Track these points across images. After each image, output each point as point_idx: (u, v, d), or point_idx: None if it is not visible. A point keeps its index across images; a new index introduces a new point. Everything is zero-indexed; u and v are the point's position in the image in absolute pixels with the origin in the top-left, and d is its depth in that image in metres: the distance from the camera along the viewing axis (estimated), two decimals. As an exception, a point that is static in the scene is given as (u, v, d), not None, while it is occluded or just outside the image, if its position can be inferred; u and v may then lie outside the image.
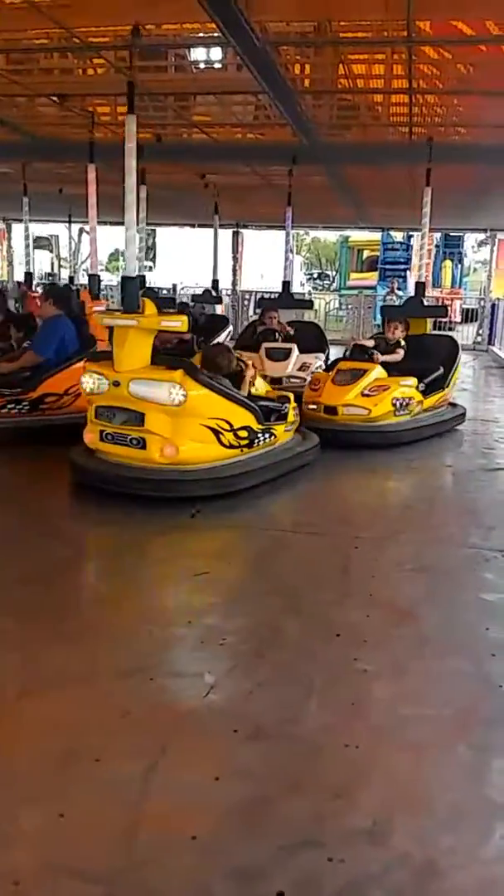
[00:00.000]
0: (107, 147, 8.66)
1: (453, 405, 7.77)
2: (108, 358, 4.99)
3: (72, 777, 2.15)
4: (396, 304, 13.63)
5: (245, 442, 5.07)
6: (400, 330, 7.27)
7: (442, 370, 7.30)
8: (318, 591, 3.57)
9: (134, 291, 5.09)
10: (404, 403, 6.67)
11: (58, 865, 1.83)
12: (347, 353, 7.27)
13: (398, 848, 1.93)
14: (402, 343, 7.17)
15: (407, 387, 6.73)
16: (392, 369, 6.87)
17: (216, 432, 4.86)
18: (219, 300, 12.65)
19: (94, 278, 8.28)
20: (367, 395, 6.54)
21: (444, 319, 19.91)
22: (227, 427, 4.92)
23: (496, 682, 2.76)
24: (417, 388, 6.82)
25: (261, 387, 5.77)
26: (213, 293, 12.66)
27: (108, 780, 2.14)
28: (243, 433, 5.05)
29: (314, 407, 6.60)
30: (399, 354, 7.07)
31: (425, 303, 8.10)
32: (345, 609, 3.38)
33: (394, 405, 6.57)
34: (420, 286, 8.22)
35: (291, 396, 5.83)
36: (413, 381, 6.80)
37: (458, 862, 1.89)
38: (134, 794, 2.07)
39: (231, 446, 4.96)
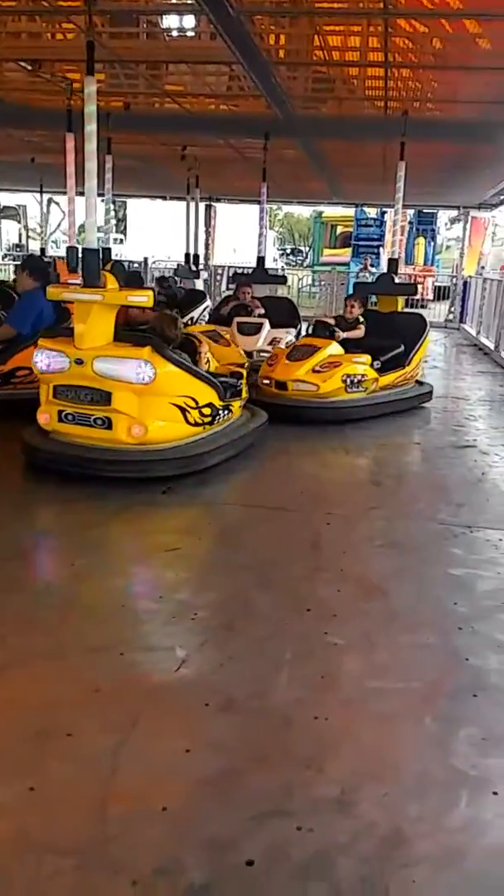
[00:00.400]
0: (77, 116, 8.48)
1: (420, 383, 7.79)
2: (65, 334, 4.82)
3: (43, 752, 2.16)
4: (369, 280, 13.60)
5: (208, 419, 5.04)
6: (357, 307, 7.32)
7: (402, 348, 7.29)
8: (289, 566, 3.60)
9: (95, 264, 4.86)
10: (356, 380, 6.68)
11: (30, 839, 1.84)
12: (310, 329, 7.28)
13: (366, 817, 1.97)
14: (361, 320, 7.23)
15: (359, 364, 6.74)
16: (354, 347, 6.92)
17: (183, 410, 4.80)
18: (197, 275, 12.55)
19: (72, 250, 7.99)
20: (318, 372, 6.56)
21: (415, 297, 20.06)
22: (194, 405, 4.88)
23: (463, 655, 2.82)
24: (372, 365, 6.83)
25: (212, 362, 5.76)
26: (193, 268, 12.57)
27: (79, 755, 2.15)
28: (207, 410, 5.02)
29: (267, 382, 6.64)
30: (360, 331, 7.12)
31: (396, 280, 8.08)
32: (315, 584, 3.41)
33: (344, 382, 6.57)
34: (392, 263, 8.21)
35: (244, 372, 5.83)
36: (366, 358, 6.81)
37: (423, 830, 1.94)
38: (105, 767, 2.09)
39: (196, 424, 4.93)
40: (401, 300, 8.09)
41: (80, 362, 4.58)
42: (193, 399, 4.87)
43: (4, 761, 2.12)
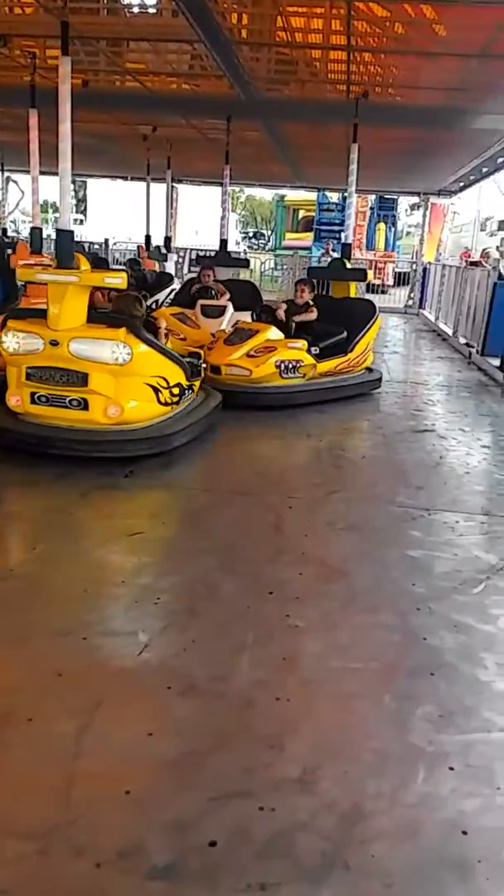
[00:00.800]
0: (41, 92, 8.29)
1: (370, 370, 7.72)
2: (35, 316, 4.80)
3: (4, 737, 2.15)
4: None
5: (176, 399, 5.10)
6: (307, 292, 7.25)
7: (344, 334, 7.27)
8: (251, 549, 3.62)
9: (68, 245, 4.91)
10: (291, 366, 6.63)
11: (-10, 824, 1.84)
12: (257, 314, 7.24)
13: (326, 795, 2.01)
14: (311, 304, 7.18)
15: (294, 349, 6.67)
16: (304, 332, 6.88)
17: (156, 390, 4.87)
18: (166, 258, 12.50)
19: (36, 231, 7.89)
20: (252, 357, 6.50)
21: (376, 283, 20.17)
22: (165, 384, 4.93)
23: (420, 635, 2.88)
24: (309, 351, 6.79)
25: (172, 341, 5.81)
26: (163, 250, 12.51)
27: (41, 739, 2.14)
28: (176, 390, 5.07)
29: (204, 365, 6.51)
30: (313, 314, 7.08)
31: (349, 266, 8.08)
32: (277, 567, 3.44)
33: (278, 367, 6.52)
34: (346, 248, 8.19)
35: (202, 353, 5.88)
36: (302, 343, 6.75)
37: (382, 806, 1.99)
38: (68, 752, 2.09)
39: (167, 403, 4.98)
40: (354, 286, 8.09)
41: (55, 343, 4.57)
42: (165, 379, 4.93)
43: (-36, 748, 2.10)
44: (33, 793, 1.95)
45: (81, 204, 31.88)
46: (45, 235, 19.55)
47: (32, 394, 4.68)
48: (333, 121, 8.83)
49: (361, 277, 8.77)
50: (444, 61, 6.65)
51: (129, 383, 4.69)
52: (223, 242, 10.10)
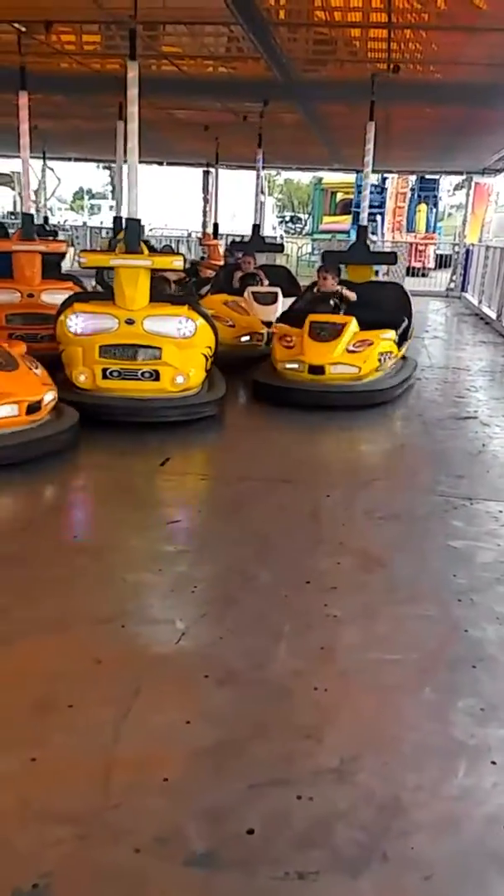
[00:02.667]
0: (75, 79, 8.32)
1: (405, 358, 7.37)
2: (98, 298, 5.49)
3: (45, 723, 2.18)
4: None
5: (209, 365, 5.59)
6: (331, 279, 6.80)
7: (407, 321, 7.10)
8: (288, 538, 3.61)
9: (136, 233, 5.37)
10: (386, 358, 6.37)
11: (32, 808, 1.86)
12: (304, 303, 6.88)
13: (364, 786, 1.99)
14: (343, 291, 6.79)
15: (387, 340, 6.38)
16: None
17: (206, 358, 5.43)
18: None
19: (28, 217, 7.50)
20: (353, 352, 6.10)
21: (416, 265, 19.83)
22: (211, 352, 5.50)
23: (462, 626, 2.83)
24: (395, 340, 6.53)
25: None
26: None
27: (81, 726, 2.17)
28: (213, 358, 5.59)
29: (295, 367, 6.08)
30: (353, 296, 6.73)
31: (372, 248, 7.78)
32: (315, 556, 3.42)
33: (380, 360, 6.21)
34: (362, 230, 7.88)
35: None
36: (392, 333, 6.45)
37: (421, 799, 1.96)
38: (107, 738, 2.11)
39: (207, 371, 5.55)
40: (372, 269, 7.81)
41: (130, 322, 5.14)
42: (210, 347, 5.49)
43: (7, 732, 2.14)
44: (73, 778, 1.97)
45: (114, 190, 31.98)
46: (81, 223, 19.48)
47: (104, 369, 5.09)
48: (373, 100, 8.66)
49: (392, 261, 8.52)
50: (487, 36, 6.47)
51: (190, 354, 5.27)
52: (255, 227, 10.05)
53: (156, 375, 5.12)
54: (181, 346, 5.20)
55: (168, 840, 1.79)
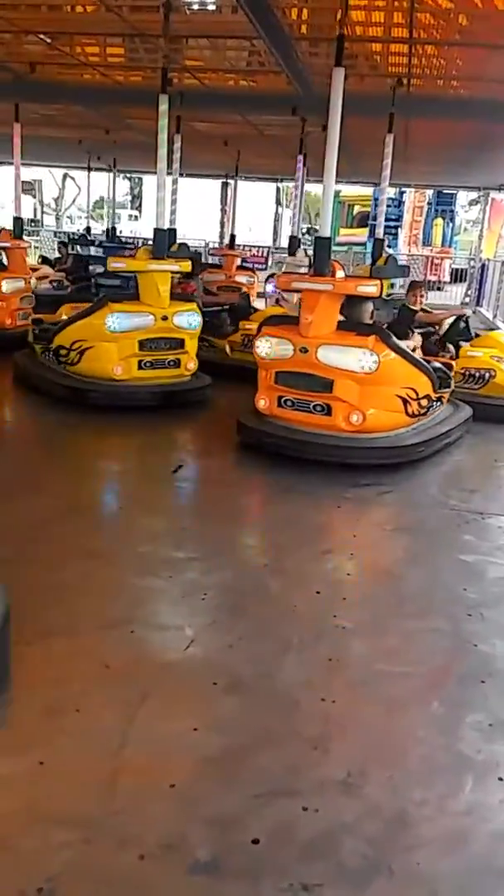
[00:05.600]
0: (98, 90, 8.39)
1: None
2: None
3: (52, 727, 2.18)
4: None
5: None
6: (419, 296, 6.80)
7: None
8: (298, 547, 3.60)
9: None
10: None
11: (38, 811, 1.87)
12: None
13: (371, 799, 1.98)
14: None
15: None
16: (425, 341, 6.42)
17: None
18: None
19: (18, 220, 8.48)
20: None
21: (432, 278, 19.82)
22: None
23: (471, 641, 2.82)
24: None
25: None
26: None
27: (88, 731, 2.17)
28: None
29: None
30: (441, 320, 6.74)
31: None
32: (325, 567, 3.41)
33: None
34: (379, 244, 7.94)
35: (453, 363, 5.70)
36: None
37: (428, 814, 1.95)
38: (114, 744, 2.11)
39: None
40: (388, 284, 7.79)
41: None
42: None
43: (15, 735, 2.15)
44: (80, 783, 1.97)
45: (136, 200, 32.22)
46: (99, 231, 19.49)
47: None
48: (396, 116, 8.69)
49: (405, 274, 8.43)
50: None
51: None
52: (296, 240, 10.07)
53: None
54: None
55: (173, 847, 1.79)
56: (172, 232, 8.18)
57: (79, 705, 2.27)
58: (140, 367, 5.26)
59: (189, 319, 5.88)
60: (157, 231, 6.01)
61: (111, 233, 15.38)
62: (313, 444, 4.62)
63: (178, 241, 8.50)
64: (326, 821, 1.90)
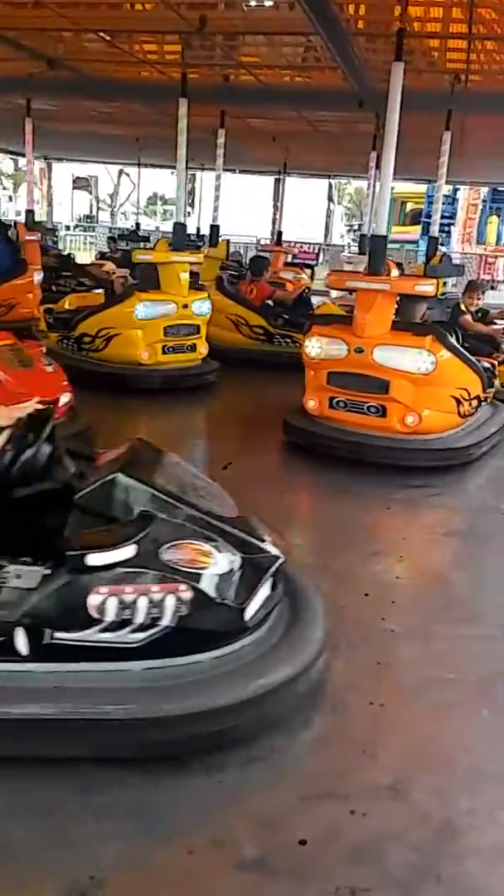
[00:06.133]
0: (154, 87, 8.46)
1: None
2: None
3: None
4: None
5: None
6: (477, 297, 6.66)
7: None
8: (347, 549, 3.59)
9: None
10: None
11: (91, 801, 1.90)
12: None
13: (418, 806, 1.97)
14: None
15: None
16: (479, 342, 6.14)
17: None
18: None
19: (30, 213, 9.05)
20: None
21: (486, 277, 19.46)
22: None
23: (523, 649, 2.77)
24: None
25: None
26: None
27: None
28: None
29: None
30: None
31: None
32: (374, 569, 3.39)
33: None
34: (433, 242, 7.82)
35: (496, 362, 5.60)
36: None
37: (476, 823, 1.93)
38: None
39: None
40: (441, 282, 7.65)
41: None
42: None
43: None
44: (130, 775, 2.00)
45: (190, 196, 32.39)
46: (154, 227, 19.70)
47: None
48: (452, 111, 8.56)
49: (460, 273, 8.26)
50: None
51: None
52: (379, 240, 9.96)
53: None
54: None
55: (221, 843, 1.81)
56: (215, 228, 8.54)
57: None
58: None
59: (202, 306, 6.33)
60: (176, 225, 6.55)
61: (137, 228, 15.69)
62: (366, 445, 4.54)
63: (221, 238, 8.59)
64: (374, 826, 1.89)
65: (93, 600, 1.95)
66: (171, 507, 2.17)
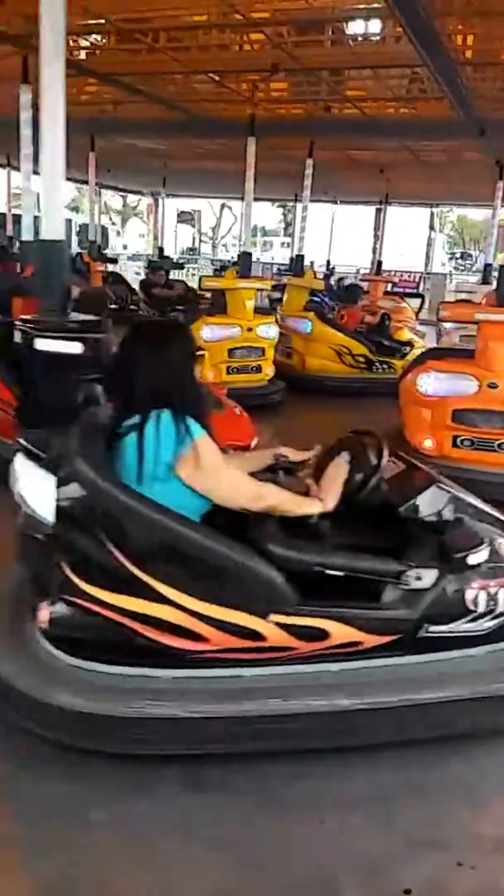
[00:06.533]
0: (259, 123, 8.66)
1: None
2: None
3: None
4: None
5: None
6: None
7: None
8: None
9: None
10: None
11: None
12: None
13: (530, 863, 1.86)
14: None
15: None
16: None
17: None
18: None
19: (93, 244, 10.19)
20: None
21: None
22: None
23: None
24: None
25: None
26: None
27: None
28: None
29: None
30: None
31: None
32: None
33: None
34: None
35: None
36: None
37: None
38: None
39: None
40: None
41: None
42: None
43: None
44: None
45: (289, 228, 32.90)
46: (255, 259, 20.10)
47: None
48: None
49: None
50: None
51: None
52: None
53: None
54: None
55: (321, 884, 1.76)
56: (299, 258, 9.23)
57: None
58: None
59: (268, 330, 6.57)
60: (242, 254, 7.19)
61: (161, 251, 16.20)
62: (494, 483, 4.16)
63: (317, 268, 8.75)
64: (482, 879, 1.80)
65: (469, 595, 2.24)
66: (474, 510, 2.41)
